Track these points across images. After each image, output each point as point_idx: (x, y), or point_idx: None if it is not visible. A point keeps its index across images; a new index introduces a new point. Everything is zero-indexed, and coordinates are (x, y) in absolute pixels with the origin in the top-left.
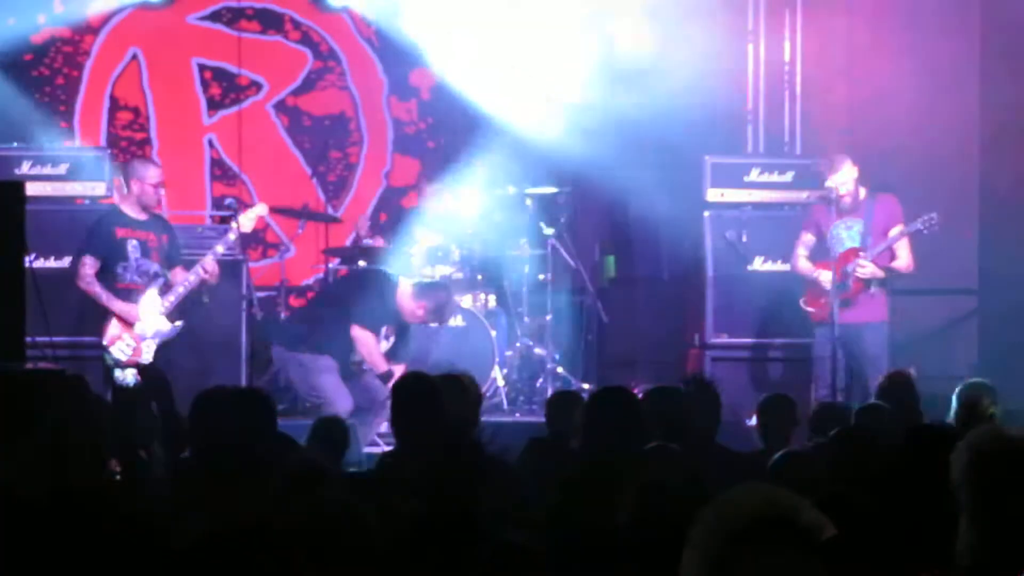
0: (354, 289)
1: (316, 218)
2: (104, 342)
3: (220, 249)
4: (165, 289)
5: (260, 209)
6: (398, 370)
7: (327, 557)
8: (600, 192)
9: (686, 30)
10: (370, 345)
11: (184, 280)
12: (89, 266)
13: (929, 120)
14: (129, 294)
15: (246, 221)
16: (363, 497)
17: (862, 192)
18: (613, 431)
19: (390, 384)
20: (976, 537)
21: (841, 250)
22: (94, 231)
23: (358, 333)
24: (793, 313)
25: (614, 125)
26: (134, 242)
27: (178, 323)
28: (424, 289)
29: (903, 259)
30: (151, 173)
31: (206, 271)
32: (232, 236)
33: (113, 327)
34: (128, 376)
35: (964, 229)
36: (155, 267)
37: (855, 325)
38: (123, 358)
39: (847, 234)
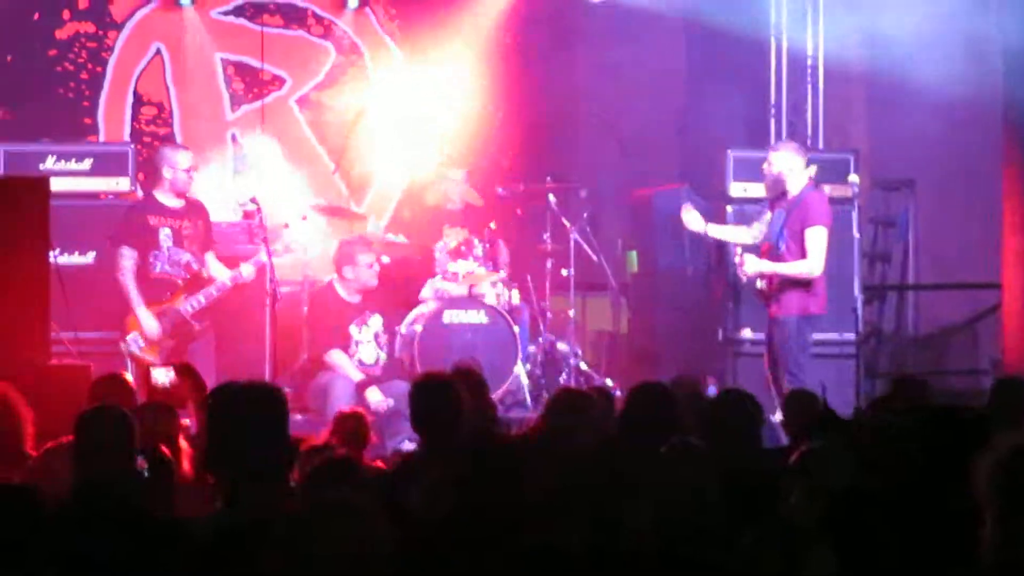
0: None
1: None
2: (124, 328)
3: (252, 267)
4: (194, 287)
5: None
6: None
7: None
8: (623, 186)
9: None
10: (342, 361)
11: (218, 286)
12: (128, 258)
13: (952, 111)
14: (161, 286)
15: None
16: (386, 496)
17: (797, 182)
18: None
19: (368, 392)
20: (1001, 537)
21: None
22: (127, 220)
23: (328, 359)
24: None
25: (639, 118)
26: (166, 231)
27: (204, 323)
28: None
29: (803, 259)
30: (181, 158)
31: (240, 279)
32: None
33: (133, 322)
34: (162, 374)
35: (988, 222)
36: (187, 256)
37: (771, 321)
38: (135, 350)
39: (774, 226)
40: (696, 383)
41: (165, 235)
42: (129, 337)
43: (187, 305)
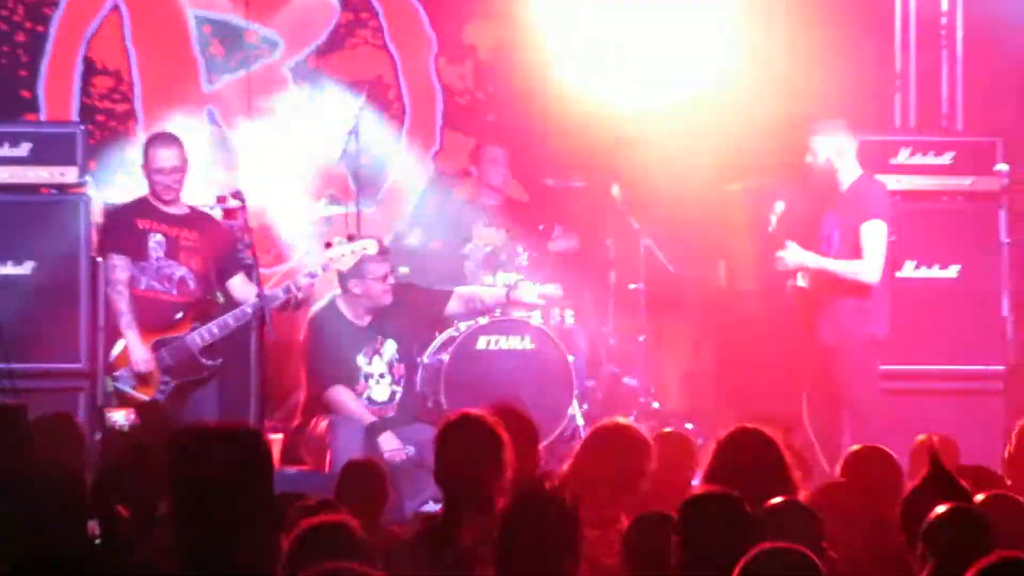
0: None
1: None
2: (111, 361)
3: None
4: (204, 313)
5: (368, 245)
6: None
7: None
8: (708, 177)
9: None
10: (347, 400)
11: (236, 315)
12: (120, 268)
13: None
14: (144, 306)
15: (344, 256)
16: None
17: (849, 171)
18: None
19: (382, 439)
20: None
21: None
22: (111, 221)
23: (330, 397)
24: (958, 333)
25: (725, 93)
26: (158, 237)
27: (215, 360)
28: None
29: (859, 260)
30: (162, 155)
31: (269, 302)
32: (320, 269)
33: (126, 354)
34: (120, 417)
35: None
36: (181, 271)
37: (826, 350)
38: (126, 388)
39: (825, 228)
40: (787, 427)
41: (156, 242)
42: (119, 373)
43: (195, 336)
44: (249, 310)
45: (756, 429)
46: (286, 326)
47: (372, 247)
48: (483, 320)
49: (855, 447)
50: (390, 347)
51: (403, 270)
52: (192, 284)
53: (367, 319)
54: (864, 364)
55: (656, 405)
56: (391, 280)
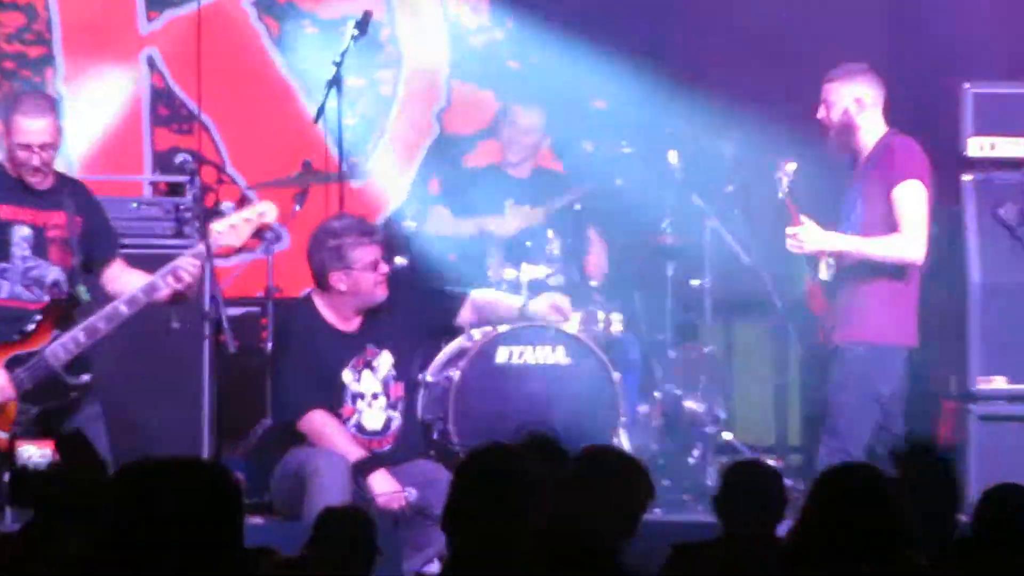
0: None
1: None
2: None
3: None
4: (65, 316)
5: (265, 210)
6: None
7: None
8: (789, 144)
9: None
10: (329, 430)
11: (107, 314)
12: None
13: None
14: (6, 319)
15: (233, 227)
16: None
17: (873, 127)
18: None
19: (373, 479)
20: None
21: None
22: None
23: (306, 425)
24: None
25: (820, 31)
26: (24, 231)
27: (83, 377)
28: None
29: (896, 235)
30: (25, 126)
31: (148, 295)
32: (202, 247)
33: None
34: (35, 452)
35: None
36: (54, 273)
37: (831, 352)
38: None
39: (845, 205)
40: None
41: (21, 237)
42: None
43: (57, 348)
44: (124, 308)
45: (864, 465)
46: (250, 335)
47: (271, 212)
48: (503, 327)
49: (989, 487)
50: (385, 360)
51: (400, 260)
52: (66, 287)
53: (355, 323)
54: (870, 369)
55: (728, 436)
56: (384, 269)
